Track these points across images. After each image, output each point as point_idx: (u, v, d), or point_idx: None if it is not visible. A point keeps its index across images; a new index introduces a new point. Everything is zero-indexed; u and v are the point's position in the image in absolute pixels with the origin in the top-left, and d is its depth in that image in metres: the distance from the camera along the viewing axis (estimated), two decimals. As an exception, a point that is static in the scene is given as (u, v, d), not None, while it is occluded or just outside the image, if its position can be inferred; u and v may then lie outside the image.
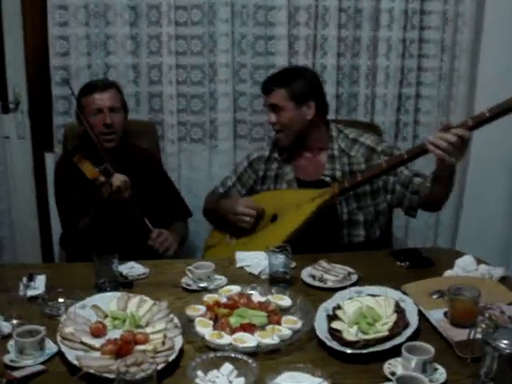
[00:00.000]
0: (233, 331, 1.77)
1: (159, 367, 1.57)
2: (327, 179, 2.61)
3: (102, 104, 2.64)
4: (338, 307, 1.89)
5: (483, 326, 1.66)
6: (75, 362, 1.61)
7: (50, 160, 3.29)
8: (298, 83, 2.59)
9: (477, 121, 2.15)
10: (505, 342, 1.45)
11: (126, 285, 2.14)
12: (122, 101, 2.76)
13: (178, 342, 1.72)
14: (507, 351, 1.44)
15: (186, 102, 3.27)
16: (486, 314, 1.77)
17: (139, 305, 1.91)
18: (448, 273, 2.16)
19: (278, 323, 1.82)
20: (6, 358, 1.67)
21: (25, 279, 2.12)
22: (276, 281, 2.12)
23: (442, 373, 1.59)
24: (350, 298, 1.93)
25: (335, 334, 1.75)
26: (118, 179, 2.40)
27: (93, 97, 2.65)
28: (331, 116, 3.18)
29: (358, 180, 2.46)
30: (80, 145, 2.80)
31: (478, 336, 1.60)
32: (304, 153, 2.69)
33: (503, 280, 2.13)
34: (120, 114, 2.71)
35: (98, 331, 1.78)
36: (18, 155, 3.35)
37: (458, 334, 1.73)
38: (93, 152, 2.57)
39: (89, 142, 2.64)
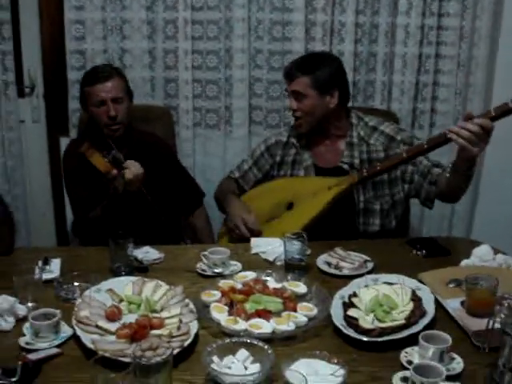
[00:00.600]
0: (248, 317, 1.76)
1: (175, 352, 1.56)
2: (345, 167, 2.59)
3: (105, 96, 2.59)
4: (354, 295, 1.88)
5: (502, 315, 1.65)
6: (90, 346, 1.61)
7: (65, 144, 3.27)
8: (323, 71, 2.54)
9: (500, 111, 2.12)
10: (524, 331, 1.43)
11: (141, 269, 2.14)
12: (125, 88, 2.70)
13: (194, 327, 1.72)
14: (526, 341, 1.42)
15: (201, 88, 3.26)
16: (505, 304, 1.76)
17: (154, 289, 1.91)
18: (465, 262, 2.15)
19: (294, 310, 1.81)
20: (22, 341, 1.68)
21: (40, 263, 2.13)
22: (291, 267, 2.11)
23: (459, 362, 1.58)
24: (366, 286, 1.92)
25: (351, 321, 1.74)
26: (131, 172, 2.39)
27: (95, 88, 2.60)
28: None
29: (377, 169, 2.43)
30: (86, 131, 2.79)
31: (496, 326, 1.58)
32: (323, 139, 2.66)
33: (520, 270, 2.11)
34: (124, 103, 2.66)
35: (113, 315, 1.78)
36: (33, 139, 3.36)
37: (475, 324, 1.72)
38: (100, 139, 2.56)
39: (96, 129, 2.63)
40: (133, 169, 2.40)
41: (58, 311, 1.74)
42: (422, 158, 2.48)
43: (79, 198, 2.67)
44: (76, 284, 1.99)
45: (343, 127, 2.63)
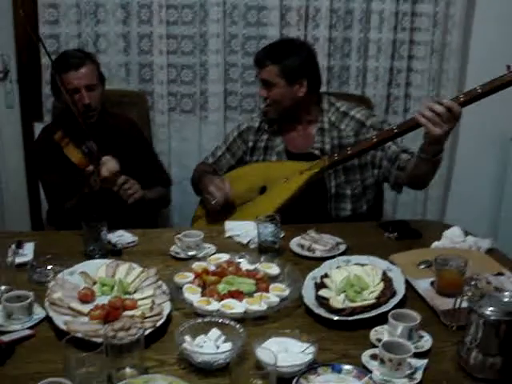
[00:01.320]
0: (221, 298, 1.78)
1: (147, 332, 1.58)
2: (316, 152, 2.60)
3: (78, 83, 2.55)
4: (326, 276, 1.90)
5: (469, 294, 1.68)
6: (63, 327, 1.62)
7: (39, 130, 3.25)
8: (292, 60, 2.54)
9: (469, 96, 2.15)
10: (490, 309, 1.46)
11: (114, 253, 2.14)
12: (97, 74, 2.66)
13: (167, 308, 1.73)
14: (492, 318, 1.45)
15: (176, 73, 3.25)
16: (472, 283, 1.79)
17: (128, 272, 1.92)
18: (435, 244, 2.18)
19: (266, 291, 1.83)
20: (-5, 323, 1.68)
21: (13, 246, 2.11)
22: (265, 250, 2.13)
23: (427, 340, 1.61)
24: (337, 267, 1.94)
25: (322, 301, 1.76)
26: (107, 169, 2.35)
27: (68, 75, 2.54)
28: (322, 88, 3.18)
29: (348, 154, 2.45)
30: (59, 118, 2.76)
31: (464, 305, 1.61)
32: (294, 125, 2.68)
33: (490, 251, 2.15)
34: (97, 89, 2.63)
35: (86, 297, 1.79)
36: (7, 124, 3.33)
37: (444, 303, 1.74)
38: (74, 126, 2.51)
39: (69, 117, 2.57)
40: (109, 165, 2.36)
41: (30, 293, 1.75)
42: (390, 143, 2.50)
43: (54, 187, 2.65)
44: (49, 267, 1.98)
45: (314, 113, 2.65)
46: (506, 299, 1.50)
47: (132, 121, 2.92)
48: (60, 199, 2.59)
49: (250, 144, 2.74)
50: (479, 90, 2.12)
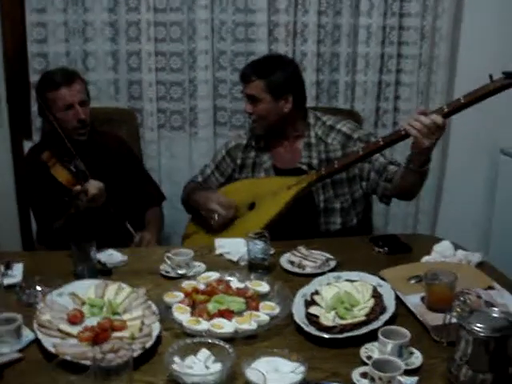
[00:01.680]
0: (210, 317, 1.77)
1: (136, 354, 1.57)
2: (303, 167, 2.60)
3: (72, 100, 2.55)
4: (316, 293, 1.89)
5: (458, 310, 1.68)
6: (52, 349, 1.61)
7: (28, 148, 3.26)
8: (277, 76, 2.54)
9: (452, 107, 2.17)
10: (479, 325, 1.46)
11: (104, 272, 2.13)
12: (87, 91, 2.68)
13: (156, 328, 1.72)
14: (482, 335, 1.45)
15: (165, 90, 3.25)
16: (462, 299, 1.79)
17: (117, 292, 1.91)
18: (426, 258, 2.18)
19: (256, 309, 1.82)
20: (-17, 346, 1.66)
21: (2, 267, 2.10)
22: (255, 267, 2.12)
23: (417, 356, 1.60)
24: (328, 284, 1.94)
25: (312, 319, 1.76)
26: (94, 187, 2.34)
27: (61, 92, 2.54)
28: (311, 103, 3.20)
29: (334, 167, 2.46)
30: (45, 140, 2.75)
31: (454, 320, 1.61)
32: (281, 141, 2.68)
33: (481, 265, 2.15)
34: (88, 105, 2.64)
35: (75, 318, 1.77)
36: (-3, 143, 3.32)
37: (435, 319, 1.74)
38: (60, 147, 2.50)
39: (56, 137, 2.56)
40: (96, 184, 2.35)
41: (19, 316, 1.73)
42: (378, 155, 2.51)
43: (42, 208, 2.63)
44: (38, 289, 1.97)
45: (300, 128, 2.65)
46: (496, 315, 1.50)
47: (121, 138, 2.92)
48: (48, 219, 2.57)
49: (239, 161, 2.74)
50: (462, 101, 2.14)
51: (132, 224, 2.56)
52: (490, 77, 2.10)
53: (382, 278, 2.00)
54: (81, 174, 2.37)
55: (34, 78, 3.11)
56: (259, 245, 2.11)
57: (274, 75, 2.54)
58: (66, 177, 2.35)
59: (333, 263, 2.16)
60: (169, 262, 2.15)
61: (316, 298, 1.86)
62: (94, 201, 2.35)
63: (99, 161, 2.46)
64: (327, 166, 2.51)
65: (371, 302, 1.81)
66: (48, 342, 1.64)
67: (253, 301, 1.85)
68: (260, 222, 2.43)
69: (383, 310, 1.79)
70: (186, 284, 1.96)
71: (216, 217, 2.57)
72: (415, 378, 1.51)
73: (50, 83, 2.59)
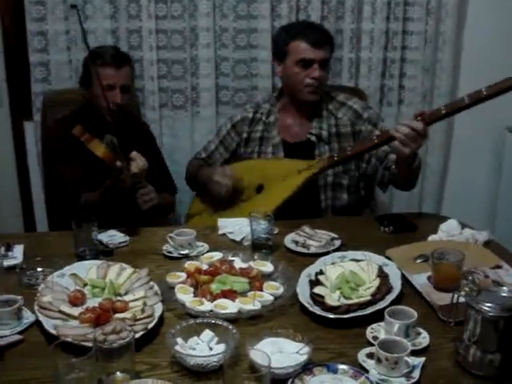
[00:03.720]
0: (214, 298, 1.75)
1: (138, 335, 1.55)
2: (313, 138, 2.58)
3: (116, 81, 2.53)
4: (321, 272, 1.87)
5: (466, 289, 1.65)
6: (53, 331, 1.59)
7: (29, 128, 3.23)
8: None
9: (434, 117, 2.22)
10: (488, 304, 1.43)
11: (106, 253, 2.11)
12: (132, 78, 2.68)
13: (158, 309, 1.70)
14: (490, 314, 1.42)
15: (166, 68, 3.20)
16: (470, 278, 1.76)
17: (119, 273, 1.89)
18: (432, 237, 2.15)
19: (260, 289, 1.80)
20: (-17, 328, 1.65)
21: (2, 249, 2.09)
22: (258, 247, 2.09)
23: (424, 337, 1.58)
24: (332, 263, 1.91)
25: (317, 299, 1.73)
26: (137, 165, 2.27)
27: (108, 70, 2.52)
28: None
29: (348, 154, 2.43)
30: (76, 111, 2.68)
31: (462, 300, 1.58)
32: (291, 113, 2.65)
33: (488, 244, 2.12)
34: (130, 93, 2.63)
35: (76, 300, 1.75)
36: (-2, 124, 3.28)
37: (442, 298, 1.72)
38: (93, 121, 2.46)
39: (90, 111, 2.55)
40: (138, 161, 2.29)
41: (19, 297, 1.71)
42: None
43: (72, 180, 2.55)
44: (39, 270, 1.95)
45: None
46: (504, 294, 1.47)
47: (146, 125, 2.92)
48: (77, 193, 2.50)
49: (245, 135, 2.70)
50: (443, 111, 2.20)
51: (138, 215, 2.51)
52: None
53: (388, 258, 1.98)
54: (115, 147, 2.30)
55: (34, 57, 3.08)
56: (263, 224, 2.08)
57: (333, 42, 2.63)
58: (105, 152, 2.24)
59: (338, 242, 2.14)
60: (171, 243, 2.13)
61: (321, 277, 1.84)
62: (135, 177, 2.29)
63: (124, 143, 2.40)
64: (340, 152, 2.49)
65: (377, 282, 1.79)
66: (49, 324, 1.62)
67: (256, 281, 1.83)
68: (270, 206, 2.35)
69: (389, 289, 1.77)
70: (189, 264, 1.94)
71: (223, 189, 2.53)
72: (422, 359, 1.48)
73: (101, 58, 2.55)
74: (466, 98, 2.17)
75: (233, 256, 2.01)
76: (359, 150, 2.43)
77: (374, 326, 1.62)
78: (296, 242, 2.15)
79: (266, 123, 2.67)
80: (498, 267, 1.89)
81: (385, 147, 2.49)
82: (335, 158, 2.44)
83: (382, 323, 1.60)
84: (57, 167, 2.63)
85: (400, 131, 2.16)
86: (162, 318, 1.68)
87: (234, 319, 1.65)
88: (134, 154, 2.31)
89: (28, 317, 1.70)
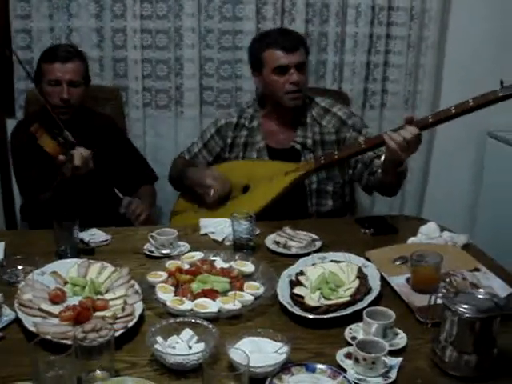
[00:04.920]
0: (194, 297, 1.75)
1: (118, 333, 1.55)
2: (298, 147, 2.59)
3: (62, 77, 2.53)
4: (301, 273, 1.88)
5: (444, 291, 1.67)
6: (32, 329, 1.58)
7: (11, 126, 3.20)
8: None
9: (421, 124, 2.22)
10: (464, 306, 1.45)
11: (87, 252, 2.11)
12: (83, 73, 2.64)
13: (139, 308, 1.70)
14: (467, 315, 1.44)
15: (151, 68, 3.21)
16: (448, 280, 1.78)
17: (100, 271, 1.88)
18: (412, 240, 2.17)
19: (241, 289, 1.81)
20: (-38, 326, 1.64)
21: (-17, 246, 2.08)
22: (240, 247, 2.10)
23: (402, 337, 1.59)
24: (313, 264, 1.92)
25: (297, 299, 1.74)
26: (79, 157, 2.28)
27: (53, 66, 2.53)
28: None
29: (334, 158, 2.44)
30: (37, 112, 2.70)
31: (439, 301, 1.60)
32: (275, 120, 2.66)
33: (466, 247, 2.14)
34: (79, 87, 2.60)
35: (56, 298, 1.75)
36: (-21, 121, 3.26)
37: (420, 300, 1.73)
38: (50, 120, 2.45)
39: (45, 111, 2.52)
40: (81, 150, 2.30)
41: (0, 295, 1.70)
42: None
43: (29, 180, 2.59)
44: (20, 267, 1.94)
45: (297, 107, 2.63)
46: (481, 296, 1.49)
47: (110, 119, 2.90)
48: (35, 191, 2.53)
49: (229, 140, 2.71)
50: (471, 103, 2.16)
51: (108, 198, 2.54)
52: (501, 83, 2.11)
53: (368, 259, 1.99)
54: (69, 144, 2.31)
55: (18, 54, 3.06)
56: (244, 225, 2.09)
57: (306, 44, 2.62)
58: (53, 146, 2.29)
59: (318, 244, 2.15)
60: (152, 242, 2.13)
61: (301, 278, 1.85)
62: (78, 169, 2.29)
63: (86, 139, 2.42)
64: (326, 155, 2.49)
65: (356, 283, 1.80)
66: (29, 322, 1.62)
67: (237, 281, 1.84)
68: (254, 206, 2.37)
69: (368, 290, 1.78)
70: (170, 264, 1.94)
71: (212, 192, 2.54)
72: (399, 359, 1.49)
73: (48, 55, 2.57)
74: (452, 108, 2.19)
75: (214, 256, 2.02)
76: (346, 154, 2.45)
77: (352, 326, 1.63)
78: (277, 243, 2.16)
79: (250, 128, 2.68)
80: (476, 270, 1.92)
81: (370, 153, 2.50)
82: (322, 162, 2.45)
83: (360, 324, 1.62)
84: (14, 168, 2.68)
85: (402, 135, 2.15)
86: (142, 317, 1.68)
87: (214, 318, 1.66)
88: (77, 147, 2.32)
89: (8, 314, 1.69)
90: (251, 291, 1.79)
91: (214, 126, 2.77)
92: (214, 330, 1.53)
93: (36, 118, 2.50)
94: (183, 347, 1.51)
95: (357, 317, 1.64)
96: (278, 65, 2.51)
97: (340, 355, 1.51)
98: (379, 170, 2.40)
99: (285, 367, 1.45)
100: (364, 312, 1.60)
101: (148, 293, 1.79)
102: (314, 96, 2.68)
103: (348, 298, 1.73)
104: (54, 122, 2.44)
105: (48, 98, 2.53)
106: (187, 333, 1.54)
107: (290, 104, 2.55)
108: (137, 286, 1.81)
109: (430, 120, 2.22)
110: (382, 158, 2.31)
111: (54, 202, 2.45)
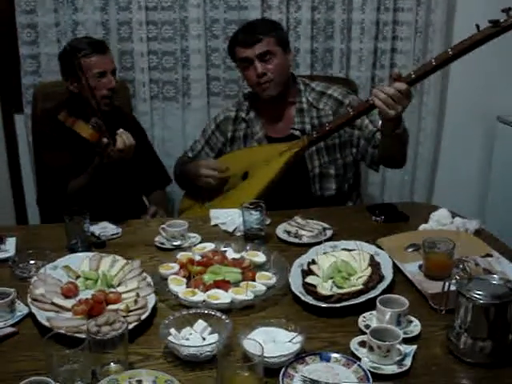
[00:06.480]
0: (206, 288, 1.75)
1: (131, 326, 1.55)
2: (297, 133, 2.58)
3: (106, 67, 2.53)
4: (313, 262, 1.88)
5: (457, 277, 1.66)
6: (46, 323, 1.59)
7: (19, 121, 3.23)
8: (281, 30, 2.62)
9: (418, 73, 2.15)
10: (478, 292, 1.44)
11: (98, 245, 2.11)
12: None
13: (151, 300, 1.70)
14: (481, 302, 1.43)
15: (157, 60, 3.20)
16: (461, 266, 1.77)
17: (111, 264, 1.89)
18: (423, 226, 2.16)
19: (253, 279, 1.80)
20: (-24, 321, 1.65)
21: (-5, 242, 2.09)
22: (251, 238, 2.10)
23: (416, 325, 1.59)
24: (324, 253, 1.92)
25: (310, 288, 1.74)
26: (123, 141, 2.25)
27: (95, 59, 2.51)
28: (306, 72, 3.16)
29: (325, 130, 2.42)
30: (63, 102, 2.65)
31: (453, 288, 1.59)
32: (272, 109, 2.64)
33: (478, 233, 2.13)
34: (116, 76, 2.63)
35: (69, 292, 1.75)
36: (-14, 117, 3.27)
37: (433, 287, 1.73)
38: (79, 112, 2.42)
39: (77, 103, 2.52)
40: (124, 137, 2.27)
41: (12, 290, 1.71)
42: (367, 122, 2.50)
43: (60, 168, 2.54)
44: (32, 262, 1.95)
45: (293, 93, 2.63)
46: (495, 282, 1.49)
47: (134, 117, 2.92)
48: (64, 181, 2.48)
49: (229, 134, 2.71)
50: (450, 53, 2.09)
51: (134, 203, 2.52)
52: (477, 26, 2.04)
53: (379, 247, 1.98)
54: (101, 129, 2.28)
55: (24, 49, 3.07)
56: (255, 215, 2.09)
57: (278, 30, 2.60)
58: (90, 131, 2.24)
59: (329, 232, 2.14)
60: (163, 234, 2.13)
61: (313, 267, 1.85)
62: (122, 152, 2.26)
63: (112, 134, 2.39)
64: (318, 129, 2.48)
65: (368, 271, 1.80)
66: (42, 316, 1.62)
67: (249, 271, 1.84)
68: (254, 191, 2.40)
69: (381, 278, 1.77)
70: (181, 255, 1.94)
71: (211, 181, 2.55)
72: (414, 347, 1.49)
73: (83, 49, 2.52)
74: (432, 60, 2.14)
75: (225, 247, 2.02)
76: (337, 124, 2.41)
77: (366, 314, 1.63)
78: (288, 232, 2.15)
79: (247, 120, 2.67)
80: (489, 256, 1.91)
81: (371, 128, 2.49)
82: (314, 136, 2.44)
83: (373, 312, 1.61)
84: (44, 155, 2.63)
85: (385, 92, 2.10)
86: (154, 309, 1.69)
87: (227, 309, 1.66)
88: (120, 130, 2.30)
89: (21, 309, 1.70)
90: (263, 281, 1.79)
91: (213, 122, 2.78)
92: (227, 321, 1.53)
93: (62, 108, 2.48)
94: (197, 339, 1.51)
95: (370, 305, 1.64)
96: (240, 60, 2.56)
97: (354, 344, 1.51)
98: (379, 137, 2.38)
99: (299, 357, 1.45)
100: (377, 300, 1.59)
101: (160, 285, 1.79)
102: (309, 81, 2.68)
103: (361, 287, 1.72)
104: (83, 112, 2.43)
105: (93, 92, 2.46)
106: (200, 324, 1.55)
107: (263, 95, 2.56)
108: (149, 279, 1.81)
109: (413, 76, 2.15)
110: (380, 122, 2.29)
111: (87, 188, 2.41)
